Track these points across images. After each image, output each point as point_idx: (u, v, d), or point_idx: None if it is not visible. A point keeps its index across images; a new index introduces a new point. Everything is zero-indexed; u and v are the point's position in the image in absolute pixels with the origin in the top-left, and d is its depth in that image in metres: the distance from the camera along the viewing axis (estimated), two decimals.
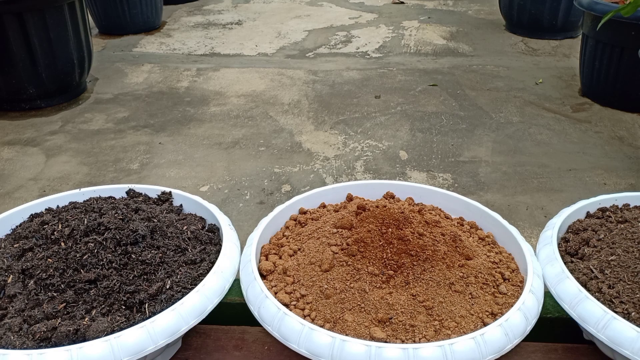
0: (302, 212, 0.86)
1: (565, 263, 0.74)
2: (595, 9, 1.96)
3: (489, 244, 0.82)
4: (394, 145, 1.84)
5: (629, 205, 1.02)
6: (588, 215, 0.98)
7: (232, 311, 0.76)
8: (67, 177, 1.67)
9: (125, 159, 1.77)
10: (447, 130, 1.95)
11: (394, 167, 1.70)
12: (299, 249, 0.76)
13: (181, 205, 0.81)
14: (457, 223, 0.88)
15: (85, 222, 0.65)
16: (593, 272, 0.74)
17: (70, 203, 0.76)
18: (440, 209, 0.96)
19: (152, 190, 0.82)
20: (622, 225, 0.90)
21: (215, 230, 0.76)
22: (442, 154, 1.78)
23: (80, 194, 0.79)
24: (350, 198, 0.97)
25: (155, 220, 0.69)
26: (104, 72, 2.53)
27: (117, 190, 0.81)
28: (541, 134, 1.89)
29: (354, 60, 2.68)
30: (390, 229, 0.74)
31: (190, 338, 0.68)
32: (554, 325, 0.79)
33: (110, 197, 0.79)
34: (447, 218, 0.94)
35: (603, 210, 1.00)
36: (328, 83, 2.40)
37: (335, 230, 0.77)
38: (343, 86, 2.37)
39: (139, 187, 0.82)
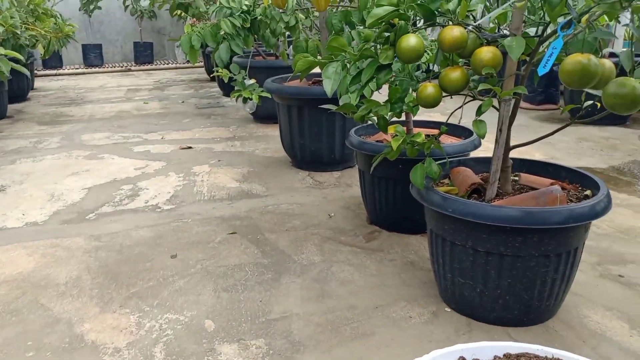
0: None
1: None
2: (364, 148, 2.15)
3: None
4: (197, 315, 1.65)
5: None
6: None
7: None
8: None
9: None
10: (253, 283, 1.84)
11: (200, 344, 1.50)
12: None
13: None
14: None
15: None
16: None
17: None
18: None
19: None
20: None
21: None
22: (252, 315, 1.64)
23: None
24: None
25: None
26: None
27: None
28: (343, 271, 1.90)
29: (144, 216, 2.48)
30: None
31: None
32: None
33: None
34: None
35: None
36: (114, 248, 2.14)
37: None
38: (133, 249, 2.13)
39: None
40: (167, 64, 8.08)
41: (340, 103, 1.66)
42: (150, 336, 1.54)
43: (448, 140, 2.18)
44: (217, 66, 3.59)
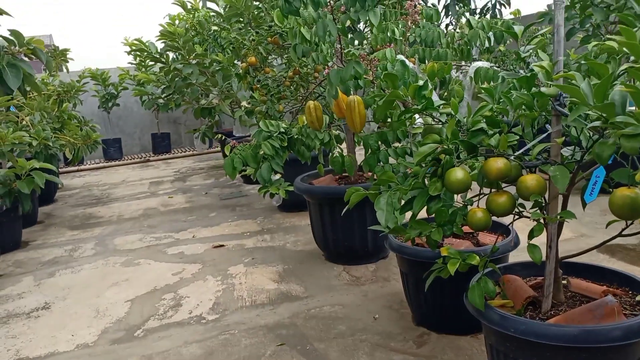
0: None
1: None
2: (405, 252, 2.21)
3: None
4: None
5: None
6: None
7: None
8: None
9: None
10: None
11: None
12: None
13: None
14: None
15: None
16: None
17: None
18: None
19: None
20: None
21: None
22: None
23: None
24: None
25: None
26: None
27: None
28: None
29: (190, 330, 2.51)
30: None
31: None
32: None
33: None
34: None
35: None
36: None
37: None
38: None
39: None
40: (185, 151, 8.35)
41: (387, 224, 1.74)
42: None
43: (487, 239, 2.24)
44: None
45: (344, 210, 1.69)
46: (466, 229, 2.39)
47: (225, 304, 2.77)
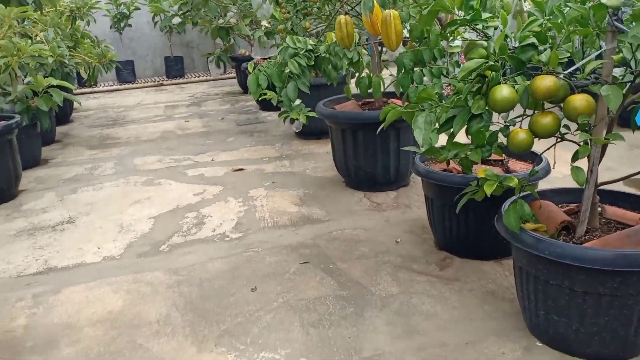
0: None
1: None
2: (432, 178, 2.19)
3: None
4: (292, 354, 1.72)
5: None
6: None
7: None
8: None
9: None
10: (337, 318, 1.90)
11: None
12: None
13: None
14: None
15: None
16: None
17: None
18: None
19: None
20: None
21: None
22: (345, 353, 1.70)
23: None
24: None
25: None
26: None
27: None
28: (424, 303, 1.95)
29: (214, 246, 2.56)
30: None
31: None
32: None
33: None
34: None
35: None
36: (195, 282, 2.22)
37: None
38: (213, 283, 2.21)
39: None
40: (198, 76, 8.20)
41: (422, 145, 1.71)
42: None
43: (517, 167, 2.21)
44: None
45: (379, 129, 1.64)
46: (494, 156, 2.35)
47: (247, 224, 2.80)
